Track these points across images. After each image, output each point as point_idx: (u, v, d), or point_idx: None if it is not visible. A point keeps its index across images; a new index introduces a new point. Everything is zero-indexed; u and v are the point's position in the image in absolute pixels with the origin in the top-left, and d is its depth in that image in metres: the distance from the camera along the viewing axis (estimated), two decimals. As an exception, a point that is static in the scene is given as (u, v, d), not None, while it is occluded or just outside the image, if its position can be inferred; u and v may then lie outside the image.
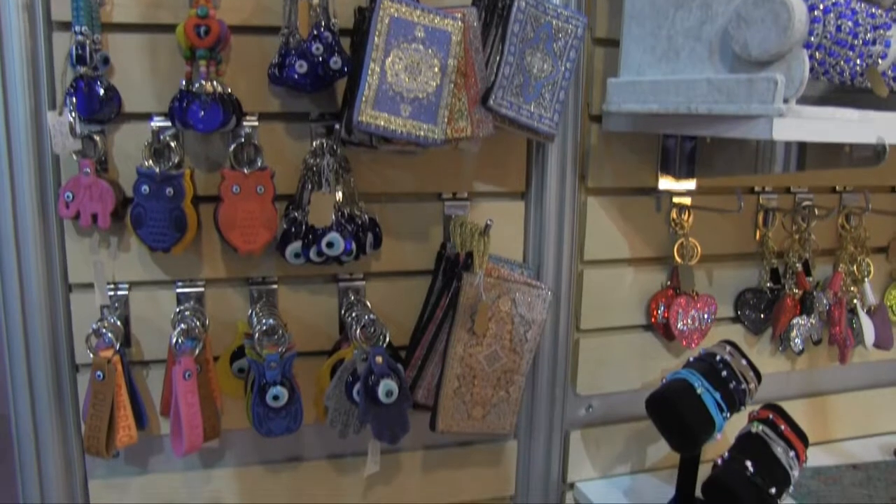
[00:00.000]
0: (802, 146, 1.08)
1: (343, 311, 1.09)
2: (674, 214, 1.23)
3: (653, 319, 1.24)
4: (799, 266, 1.29)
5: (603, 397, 1.26)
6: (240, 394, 1.08)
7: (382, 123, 0.92)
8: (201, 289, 1.07)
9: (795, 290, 1.29)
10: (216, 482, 1.13)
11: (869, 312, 1.34)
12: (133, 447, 1.09)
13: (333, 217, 1.01)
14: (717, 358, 1.11)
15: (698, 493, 1.16)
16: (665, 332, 1.24)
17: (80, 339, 1.03)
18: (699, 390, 1.03)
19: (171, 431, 1.02)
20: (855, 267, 1.33)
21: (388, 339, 1.02)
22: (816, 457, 1.36)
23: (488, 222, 1.02)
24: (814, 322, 1.31)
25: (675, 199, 1.23)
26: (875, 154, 0.92)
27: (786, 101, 0.82)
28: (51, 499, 1.07)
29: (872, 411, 1.46)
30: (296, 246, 1.00)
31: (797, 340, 1.31)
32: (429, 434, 1.19)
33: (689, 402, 1.02)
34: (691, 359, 1.11)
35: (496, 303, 1.04)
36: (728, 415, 1.05)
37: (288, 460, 1.15)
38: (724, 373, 1.08)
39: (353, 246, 1.01)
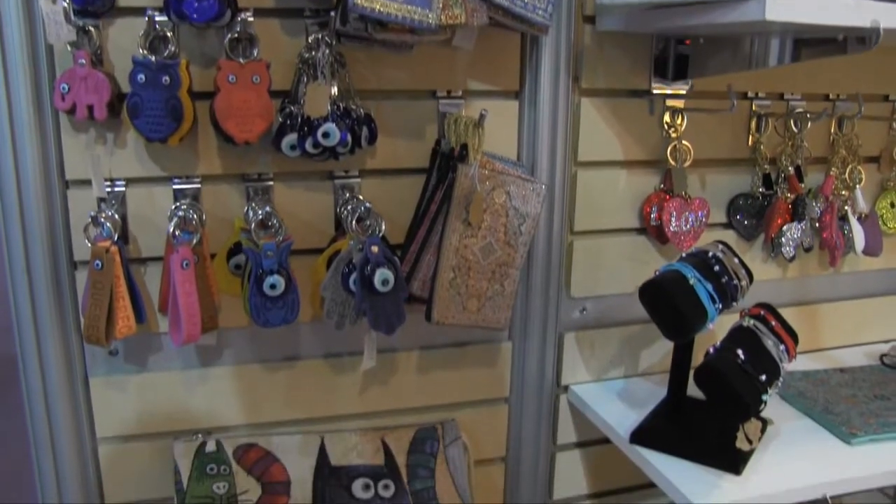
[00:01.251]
0: (797, 41, 1.08)
1: (338, 208, 1.10)
2: (667, 118, 1.23)
3: (646, 222, 1.25)
4: (791, 170, 1.30)
5: (597, 300, 1.28)
6: (237, 291, 1.08)
7: (378, 7, 0.91)
8: (197, 185, 1.07)
9: (788, 195, 1.30)
10: (214, 380, 1.14)
11: (860, 220, 1.35)
12: (132, 345, 1.11)
13: (329, 108, 1.01)
14: (710, 254, 1.12)
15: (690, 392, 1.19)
16: (658, 235, 1.25)
17: (78, 235, 1.03)
18: (692, 281, 1.05)
19: (170, 322, 1.03)
20: (847, 174, 1.34)
21: (383, 229, 1.03)
22: (805, 363, 1.39)
23: (483, 112, 1.02)
24: (805, 228, 1.32)
25: (669, 103, 1.23)
26: (867, 39, 0.92)
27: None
28: (53, 396, 1.09)
29: (861, 320, 1.49)
30: (291, 138, 1.01)
31: (789, 246, 1.32)
32: (425, 335, 1.20)
33: (682, 290, 1.04)
34: (684, 254, 1.12)
35: (490, 195, 1.05)
36: (720, 306, 1.07)
37: (285, 359, 1.16)
38: (717, 268, 1.10)
39: (349, 138, 1.01)
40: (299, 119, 1.01)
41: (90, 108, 0.97)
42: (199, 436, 1.14)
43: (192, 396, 1.14)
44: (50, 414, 1.09)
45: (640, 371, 1.34)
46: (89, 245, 0.99)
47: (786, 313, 1.16)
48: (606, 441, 1.32)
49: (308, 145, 1.00)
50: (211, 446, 1.14)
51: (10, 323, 1.07)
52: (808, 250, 1.35)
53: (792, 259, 1.34)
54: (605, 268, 1.26)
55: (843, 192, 1.33)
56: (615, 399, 1.25)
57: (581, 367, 1.29)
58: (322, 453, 1.17)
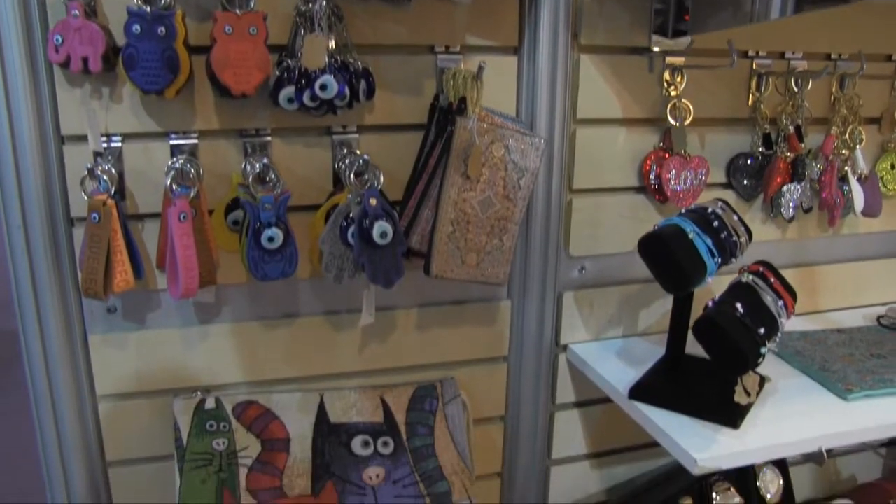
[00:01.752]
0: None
1: (336, 164, 1.09)
2: (666, 75, 1.23)
3: (645, 181, 1.25)
4: (791, 129, 1.29)
5: (596, 259, 1.28)
6: (235, 247, 1.08)
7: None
8: (195, 141, 1.06)
9: (787, 154, 1.30)
10: (213, 338, 1.14)
11: (859, 180, 1.35)
12: (130, 303, 1.11)
13: (327, 61, 1.00)
14: (709, 210, 1.12)
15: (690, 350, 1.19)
16: (658, 194, 1.25)
17: (74, 191, 1.03)
18: (691, 235, 1.04)
19: (168, 276, 1.03)
20: (847, 134, 1.33)
21: (381, 182, 1.03)
22: (803, 325, 1.39)
23: (481, 64, 1.02)
24: (805, 188, 1.32)
25: (668, 60, 1.22)
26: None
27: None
28: (52, 354, 1.09)
29: (859, 283, 1.49)
30: (289, 90, 1.00)
31: (788, 207, 1.32)
32: (423, 292, 1.20)
33: (681, 243, 1.04)
34: (683, 210, 1.12)
35: (489, 148, 1.05)
36: (719, 260, 1.07)
37: (284, 316, 1.16)
38: (716, 223, 1.10)
39: (347, 91, 1.00)
40: (297, 72, 1.00)
41: (85, 61, 0.96)
42: (199, 393, 1.14)
43: (191, 354, 1.14)
44: (49, 371, 1.09)
45: (639, 331, 1.34)
46: (86, 198, 0.99)
47: (784, 274, 1.16)
48: (605, 401, 1.33)
49: (306, 98, 0.99)
50: (210, 403, 1.14)
51: (10, 287, 1.07)
52: (807, 211, 1.35)
53: (791, 220, 1.34)
54: (604, 226, 1.26)
55: (844, 152, 1.33)
56: (614, 357, 1.25)
57: (580, 327, 1.29)
58: (321, 411, 1.17)
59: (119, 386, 1.12)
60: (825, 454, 1.05)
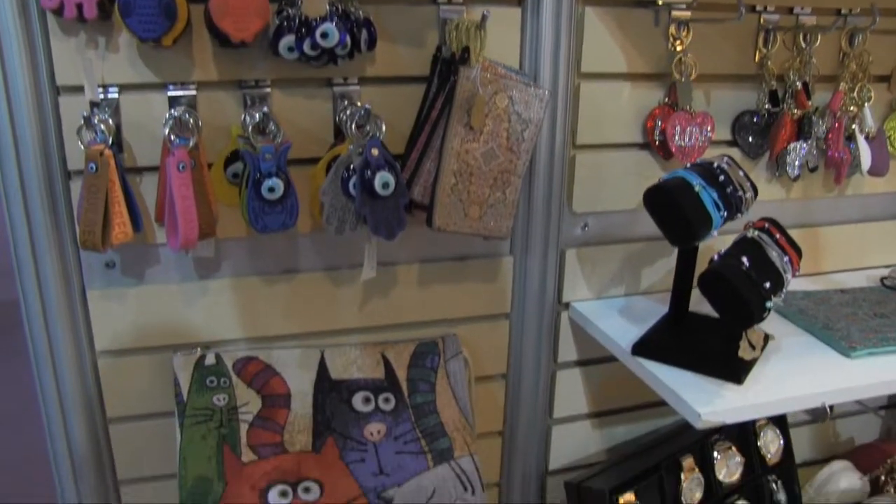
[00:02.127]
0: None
1: (337, 115, 1.07)
2: (672, 30, 1.20)
3: (650, 137, 1.23)
4: (799, 85, 1.28)
5: (599, 216, 1.27)
6: (235, 201, 1.07)
7: None
8: (193, 92, 1.04)
9: (794, 111, 1.28)
10: (212, 293, 1.13)
11: (867, 139, 1.33)
12: (129, 257, 1.10)
13: (328, 8, 0.98)
14: (715, 165, 1.10)
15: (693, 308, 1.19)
16: (662, 150, 1.24)
17: (71, 143, 1.01)
18: (696, 188, 1.03)
19: (167, 227, 1.01)
20: (856, 91, 1.32)
21: (383, 132, 1.01)
22: (807, 285, 1.38)
23: (485, 13, 1.00)
24: (811, 147, 1.30)
25: (674, 14, 1.20)
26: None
27: None
28: (51, 309, 1.08)
29: (863, 244, 1.48)
30: (289, 39, 0.98)
31: (793, 165, 1.31)
32: (425, 247, 1.19)
33: (687, 196, 1.02)
34: (688, 164, 1.11)
35: (493, 99, 1.03)
36: (725, 214, 1.06)
37: (284, 272, 1.15)
38: (722, 178, 1.08)
39: (348, 40, 0.99)
40: (297, 20, 0.98)
41: (79, 7, 0.93)
42: (198, 349, 1.14)
43: (190, 309, 1.13)
44: (48, 327, 1.09)
45: (642, 290, 1.33)
46: (83, 148, 0.97)
47: (788, 234, 1.15)
48: (607, 360, 1.33)
49: (306, 47, 0.98)
50: (210, 359, 1.13)
51: (7, 240, 1.05)
52: (812, 170, 1.34)
53: (796, 179, 1.33)
54: (607, 183, 1.24)
55: (852, 109, 1.31)
56: (617, 315, 1.24)
57: (582, 285, 1.28)
58: (322, 367, 1.16)
59: (118, 341, 1.12)
60: (829, 410, 1.04)
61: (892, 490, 1.46)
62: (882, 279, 1.42)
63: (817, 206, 1.43)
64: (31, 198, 1.03)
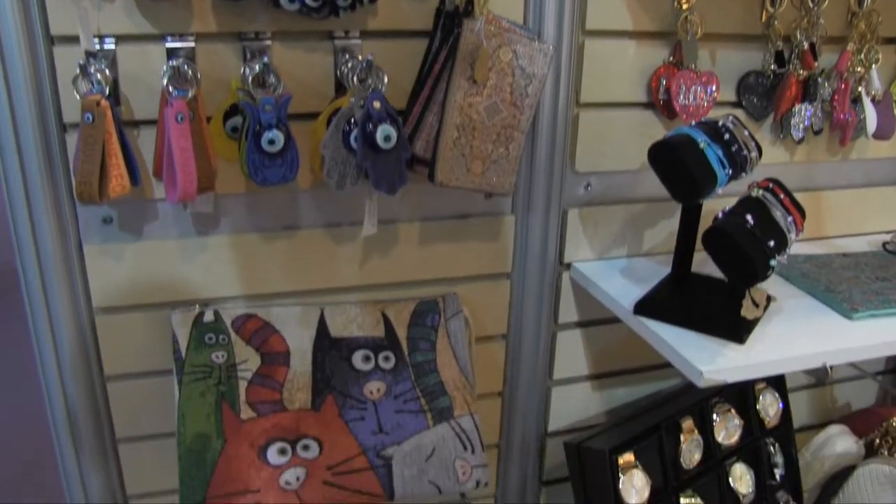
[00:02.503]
0: None
1: (339, 69, 1.06)
2: (679, -13, 1.19)
3: (654, 96, 1.22)
4: (806, 45, 1.26)
5: (601, 176, 1.25)
6: (234, 156, 1.05)
7: None
8: (192, 44, 1.02)
9: (800, 71, 1.27)
10: (211, 250, 1.12)
11: (873, 101, 1.32)
12: (126, 213, 1.08)
13: (328, -43, 0.96)
14: (720, 123, 1.09)
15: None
16: (666, 110, 1.22)
17: (66, 93, 0.99)
18: (702, 144, 1.02)
19: (165, 179, 1.00)
20: (864, 53, 1.30)
21: (385, 84, 0.99)
22: (809, 249, 1.38)
23: (490, -36, 0.98)
24: (816, 109, 1.29)
25: (682, -30, 1.18)
26: None
27: None
28: (47, 265, 1.07)
29: (866, 209, 1.47)
30: (289, -12, 0.96)
31: (798, 128, 1.29)
32: (426, 205, 1.18)
33: (692, 151, 1.01)
34: (693, 122, 1.09)
35: (497, 52, 1.01)
36: (730, 172, 1.05)
37: (284, 228, 1.14)
38: (727, 136, 1.07)
39: (350, -11, 0.97)
40: (297, -31, 0.96)
41: (76, -46, 0.92)
42: (197, 306, 1.13)
43: (188, 266, 1.12)
44: (45, 284, 1.07)
45: (644, 251, 1.32)
46: (79, 99, 0.96)
47: (791, 198, 1.14)
48: (607, 322, 1.33)
49: (307, -4, 0.96)
50: (209, 316, 1.12)
51: (2, 193, 1.04)
52: (817, 133, 1.32)
53: (800, 141, 1.32)
54: (611, 142, 1.23)
55: (859, 69, 1.29)
56: (619, 276, 1.24)
57: (584, 245, 1.27)
58: (322, 325, 1.16)
59: (116, 298, 1.10)
60: (830, 370, 1.04)
61: (885, 452, 1.46)
62: (884, 244, 1.42)
63: (821, 170, 1.42)
64: (26, 150, 1.01)
